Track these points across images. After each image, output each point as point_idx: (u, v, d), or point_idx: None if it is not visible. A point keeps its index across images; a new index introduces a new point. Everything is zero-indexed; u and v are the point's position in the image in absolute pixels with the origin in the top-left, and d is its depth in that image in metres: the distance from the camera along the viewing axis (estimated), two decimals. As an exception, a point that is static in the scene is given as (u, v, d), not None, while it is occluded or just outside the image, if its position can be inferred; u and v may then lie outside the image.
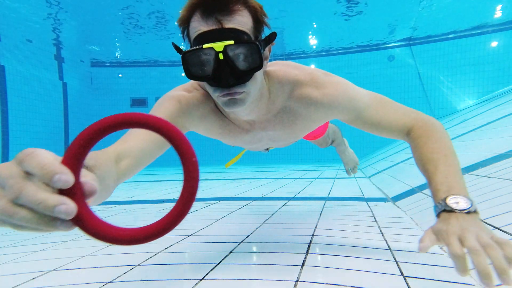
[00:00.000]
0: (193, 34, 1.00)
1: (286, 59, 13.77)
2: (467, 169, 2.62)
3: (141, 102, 15.40)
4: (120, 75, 15.59)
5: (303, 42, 13.69)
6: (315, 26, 12.39)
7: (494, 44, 11.60)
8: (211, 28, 0.96)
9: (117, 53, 14.88)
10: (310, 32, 12.99)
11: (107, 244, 0.53)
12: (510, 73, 11.18)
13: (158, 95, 15.57)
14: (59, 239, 1.88)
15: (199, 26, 0.98)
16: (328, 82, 1.22)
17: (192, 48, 0.99)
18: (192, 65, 1.01)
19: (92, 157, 0.67)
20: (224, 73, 0.97)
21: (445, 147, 1.15)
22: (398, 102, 1.31)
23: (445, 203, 0.94)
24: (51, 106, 13.15)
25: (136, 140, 1.01)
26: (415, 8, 11.05)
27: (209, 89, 1.06)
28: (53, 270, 1.32)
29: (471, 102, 11.51)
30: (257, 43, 0.99)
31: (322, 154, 13.25)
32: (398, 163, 5.25)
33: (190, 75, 1.03)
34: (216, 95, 1.04)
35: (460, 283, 1.05)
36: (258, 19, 1.03)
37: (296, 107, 1.25)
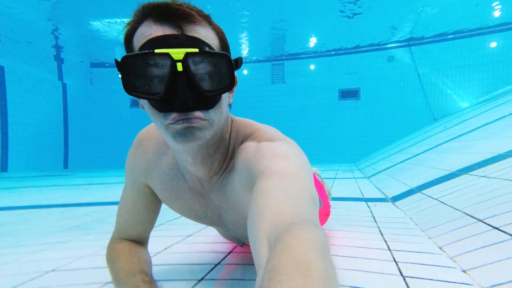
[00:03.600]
0: (141, 41, 0.71)
1: (286, 60, 13.70)
2: (467, 169, 2.62)
3: (141, 102, 15.40)
4: (120, 75, 15.57)
5: (303, 42, 13.68)
6: (315, 26, 12.39)
7: (494, 44, 11.61)
8: (167, 33, 0.70)
9: (117, 54, 14.86)
10: (310, 33, 12.99)
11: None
12: (510, 73, 11.19)
13: (158, 95, 15.58)
14: (59, 239, 1.88)
15: (149, 31, 0.71)
16: (279, 139, 0.85)
17: (138, 51, 0.70)
18: (136, 77, 0.71)
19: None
20: (182, 90, 0.69)
21: None
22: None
23: None
24: (50, 106, 13.15)
25: (141, 224, 1.10)
26: (415, 9, 11.06)
27: (155, 116, 0.74)
28: (53, 270, 1.32)
29: (471, 102, 11.51)
30: (229, 55, 0.75)
31: (322, 154, 13.26)
32: (397, 163, 5.25)
33: (131, 90, 0.71)
34: (166, 122, 0.73)
35: (460, 283, 1.05)
36: (224, 41, 0.80)
37: (232, 167, 0.91)
